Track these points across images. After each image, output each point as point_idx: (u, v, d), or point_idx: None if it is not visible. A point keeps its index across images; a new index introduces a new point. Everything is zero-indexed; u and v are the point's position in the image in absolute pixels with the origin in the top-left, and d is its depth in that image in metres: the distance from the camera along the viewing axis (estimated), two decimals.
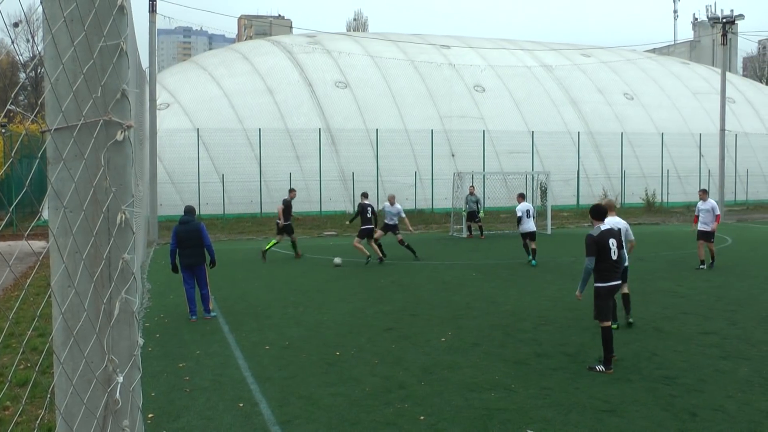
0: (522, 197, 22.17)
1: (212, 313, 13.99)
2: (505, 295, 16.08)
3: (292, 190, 24.08)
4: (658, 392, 8.89)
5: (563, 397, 8.78)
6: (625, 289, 12.73)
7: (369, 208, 21.44)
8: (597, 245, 10.04)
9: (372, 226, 21.41)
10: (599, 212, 10.46)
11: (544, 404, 8.51)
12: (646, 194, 42.26)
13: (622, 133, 44.48)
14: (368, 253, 20.92)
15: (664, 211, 41.14)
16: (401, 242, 21.95)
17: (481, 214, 29.15)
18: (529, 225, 21.15)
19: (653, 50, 66.82)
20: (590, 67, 49.30)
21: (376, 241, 21.60)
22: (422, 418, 8.14)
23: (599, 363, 9.96)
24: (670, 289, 16.48)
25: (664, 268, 19.90)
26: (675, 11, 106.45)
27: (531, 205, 22.38)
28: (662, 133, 45.32)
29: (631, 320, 12.69)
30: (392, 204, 22.32)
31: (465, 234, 29.51)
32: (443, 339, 11.93)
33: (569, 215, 38.78)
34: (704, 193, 20.13)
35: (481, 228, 29.18)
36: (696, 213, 19.90)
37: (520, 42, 53.14)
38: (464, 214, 29.49)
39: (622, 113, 46.42)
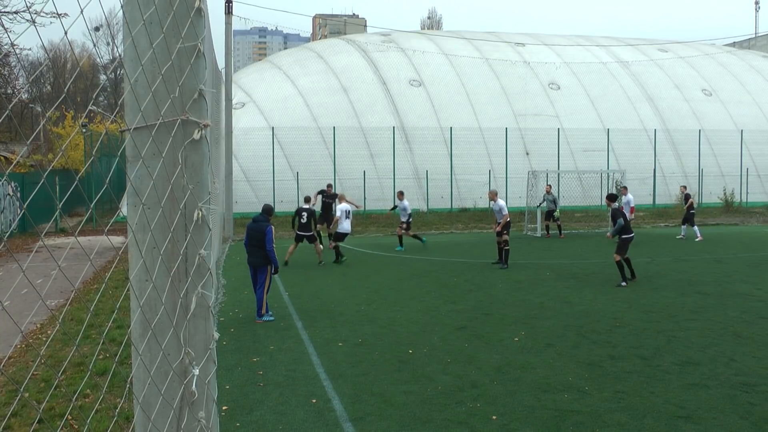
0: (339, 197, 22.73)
1: (264, 318, 13.50)
2: (579, 295, 15.85)
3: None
4: (736, 399, 8.63)
5: (637, 401, 8.61)
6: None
7: (304, 213, 20.52)
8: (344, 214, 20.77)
9: (304, 234, 20.52)
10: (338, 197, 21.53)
11: (618, 408, 8.37)
12: (725, 194, 40.99)
13: (699, 131, 43.26)
14: (286, 259, 20.24)
15: (743, 212, 39.86)
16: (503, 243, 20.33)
17: (557, 214, 28.55)
18: (345, 226, 21.55)
19: (733, 44, 64.45)
20: (667, 63, 48.10)
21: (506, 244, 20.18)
22: (494, 417, 8.10)
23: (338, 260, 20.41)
24: (748, 293, 15.98)
25: (742, 270, 19.33)
26: (756, 2, 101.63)
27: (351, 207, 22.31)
28: (741, 131, 43.94)
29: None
30: (495, 201, 20.81)
31: (539, 233, 29.17)
32: (516, 339, 11.84)
33: (645, 215, 37.95)
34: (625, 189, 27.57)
35: (560, 227, 28.74)
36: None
37: (596, 38, 52.15)
38: (540, 208, 29.24)
39: (700, 110, 45.15)
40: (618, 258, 16.96)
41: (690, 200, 27.41)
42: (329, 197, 24.90)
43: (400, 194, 25.25)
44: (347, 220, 21.51)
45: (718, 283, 17.23)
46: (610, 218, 17.32)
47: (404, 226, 24.42)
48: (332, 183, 27.79)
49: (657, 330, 12.37)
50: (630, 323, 12.92)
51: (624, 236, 17.01)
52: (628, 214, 23.93)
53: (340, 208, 21.51)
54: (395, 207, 25.86)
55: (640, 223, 34.20)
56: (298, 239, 20.66)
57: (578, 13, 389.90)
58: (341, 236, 21.51)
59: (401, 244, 24.62)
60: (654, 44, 52.14)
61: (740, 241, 26.77)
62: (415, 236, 24.85)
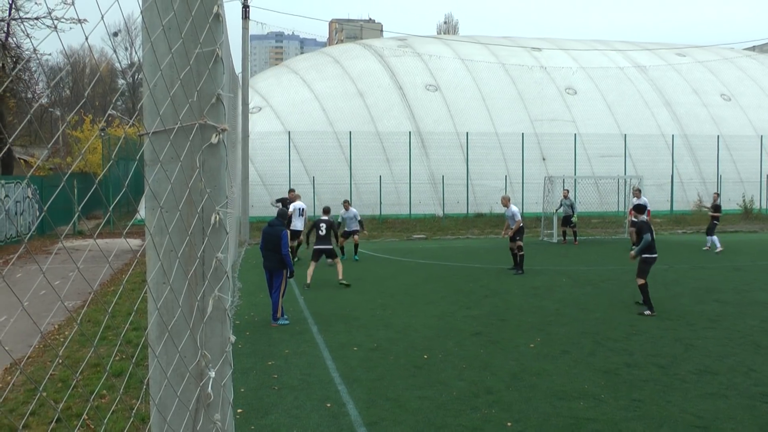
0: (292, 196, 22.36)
1: (279, 322, 13.51)
2: (596, 302, 15.78)
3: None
4: (755, 410, 8.54)
5: (654, 410, 8.55)
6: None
7: (323, 225, 18.29)
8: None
9: (324, 247, 18.12)
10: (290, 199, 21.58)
11: (634, 416, 8.31)
12: (744, 200, 40.68)
13: (718, 136, 42.85)
14: (308, 282, 17.84)
15: (763, 218, 39.48)
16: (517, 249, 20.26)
17: (574, 219, 28.44)
18: (296, 224, 21.59)
19: (752, 48, 63.88)
20: (685, 67, 47.76)
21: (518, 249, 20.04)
22: (509, 424, 8.08)
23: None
24: None
25: (762, 278, 19.14)
26: None
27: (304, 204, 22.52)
28: (761, 136, 43.51)
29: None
30: (508, 207, 20.46)
31: (556, 239, 29.05)
32: (532, 345, 11.80)
33: (663, 221, 37.72)
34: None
35: (575, 233, 28.66)
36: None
37: (613, 42, 51.90)
38: (556, 213, 29.15)
39: (718, 115, 44.77)
40: (642, 282, 14.50)
41: (718, 213, 26.08)
42: (291, 202, 22.30)
43: (346, 203, 23.85)
44: (300, 218, 21.58)
45: (736, 291, 17.08)
46: (634, 233, 15.34)
47: (364, 233, 24.12)
48: (294, 188, 26.06)
49: (674, 338, 12.29)
50: (647, 331, 12.84)
51: (646, 256, 14.53)
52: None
53: (293, 206, 21.31)
54: (341, 222, 23.43)
55: (657, 230, 33.99)
56: (317, 255, 18.15)
57: (595, 18, 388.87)
58: (294, 234, 21.24)
59: (356, 253, 23.51)
60: (672, 48, 51.81)
61: (760, 248, 26.56)
62: (341, 248, 22.97)
